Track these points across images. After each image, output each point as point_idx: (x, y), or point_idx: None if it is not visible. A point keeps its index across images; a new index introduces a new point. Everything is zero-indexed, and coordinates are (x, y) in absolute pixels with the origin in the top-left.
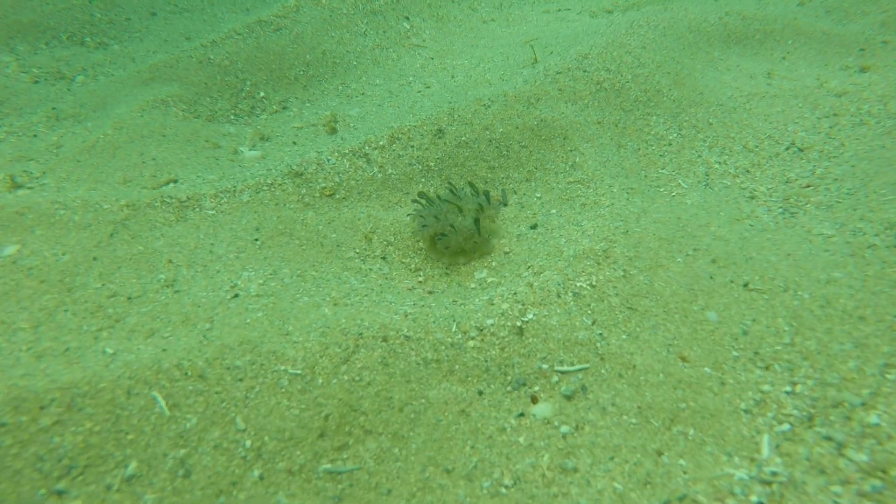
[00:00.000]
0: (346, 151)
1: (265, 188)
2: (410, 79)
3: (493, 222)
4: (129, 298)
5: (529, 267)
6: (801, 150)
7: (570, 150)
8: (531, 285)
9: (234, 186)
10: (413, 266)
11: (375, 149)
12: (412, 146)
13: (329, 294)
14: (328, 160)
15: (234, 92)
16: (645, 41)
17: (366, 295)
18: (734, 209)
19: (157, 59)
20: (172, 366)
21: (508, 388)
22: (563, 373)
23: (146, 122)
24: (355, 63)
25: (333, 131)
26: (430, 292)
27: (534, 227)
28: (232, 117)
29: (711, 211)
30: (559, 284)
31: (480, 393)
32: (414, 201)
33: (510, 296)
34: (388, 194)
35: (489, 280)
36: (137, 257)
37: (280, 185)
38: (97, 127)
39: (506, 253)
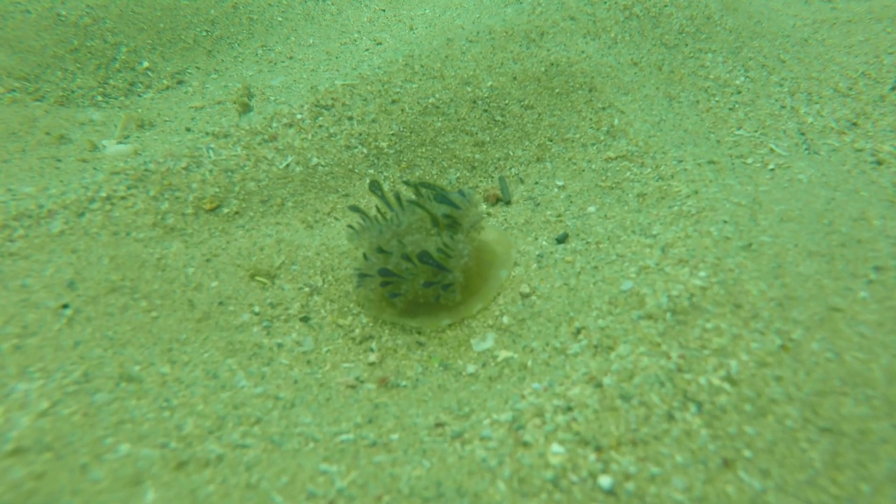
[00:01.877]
0: (241, 134)
1: (94, 207)
2: (355, 35)
3: (482, 246)
4: None
5: (575, 328)
6: None
7: (603, 108)
8: (592, 380)
9: (41, 207)
10: (359, 331)
11: (290, 125)
12: (350, 118)
13: (182, 426)
14: (209, 151)
15: (101, 62)
16: None
17: (260, 419)
18: (870, 183)
19: None
20: None
21: None
22: None
23: None
24: (280, 19)
25: (247, 109)
26: (389, 388)
27: (562, 239)
28: (98, 98)
29: (845, 191)
30: (659, 381)
31: None
32: (353, 209)
33: (556, 409)
34: (314, 200)
35: (500, 357)
36: None
37: (122, 198)
38: None
39: (525, 296)
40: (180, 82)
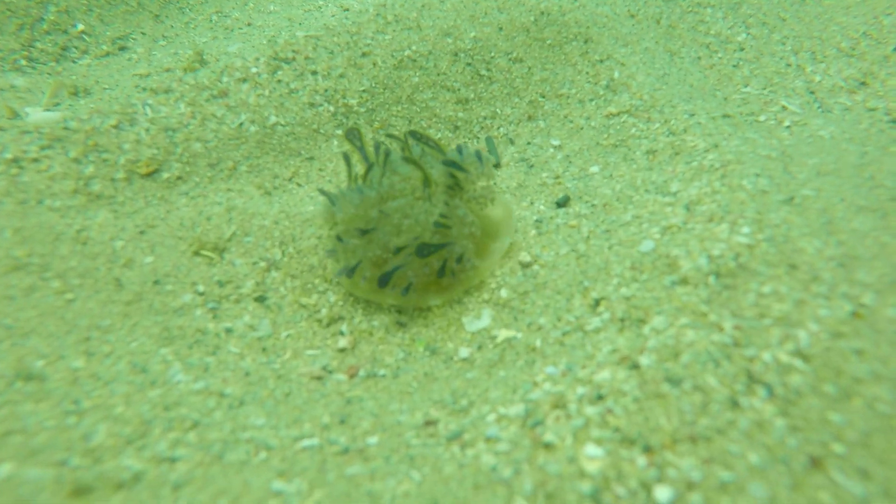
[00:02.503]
0: (185, 89)
1: None
2: (320, 2)
3: (489, 208)
4: None
5: (593, 299)
6: None
7: (601, 61)
8: (625, 360)
9: None
10: (326, 312)
11: (244, 80)
12: (314, 72)
13: (91, 436)
14: (145, 108)
15: (25, 22)
16: None
17: (198, 422)
18: (893, 141)
19: None
20: None
21: None
22: None
23: None
24: None
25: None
26: (366, 378)
27: (563, 202)
28: (23, 62)
29: (875, 147)
30: (713, 359)
31: None
32: (322, 193)
33: (582, 399)
34: (273, 164)
35: (500, 337)
36: None
37: (33, 161)
38: None
39: (525, 265)
40: (123, 48)
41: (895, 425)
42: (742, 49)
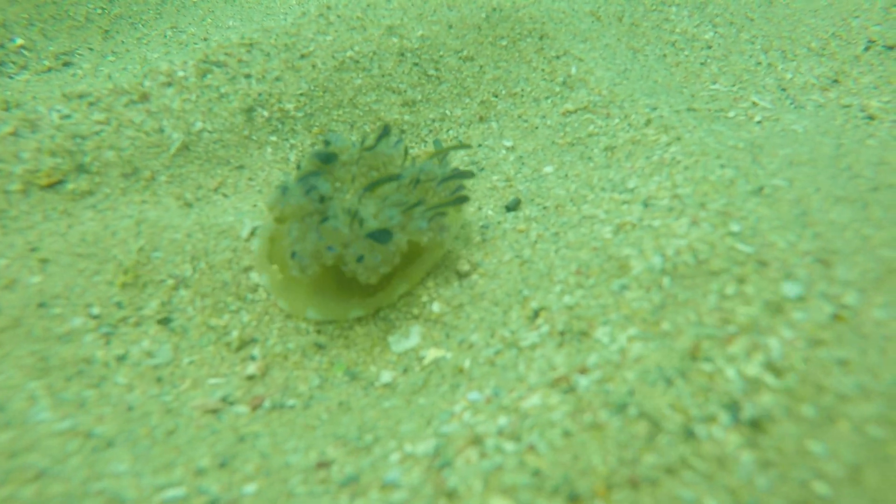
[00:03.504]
0: (101, 94)
1: None
2: (281, 18)
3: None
4: None
5: (532, 310)
6: (889, 47)
7: (557, 57)
8: (559, 382)
9: None
10: (237, 334)
11: (168, 84)
12: (248, 75)
13: None
14: (51, 113)
15: None
16: None
17: (44, 472)
18: (870, 136)
19: None
20: None
21: None
22: None
23: None
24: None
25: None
26: (270, 410)
27: (513, 206)
28: None
29: (851, 139)
30: (664, 377)
31: None
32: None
33: (502, 432)
34: (197, 173)
35: (428, 358)
36: None
37: None
38: None
39: (463, 275)
40: (67, 64)
41: (891, 454)
42: (710, 47)
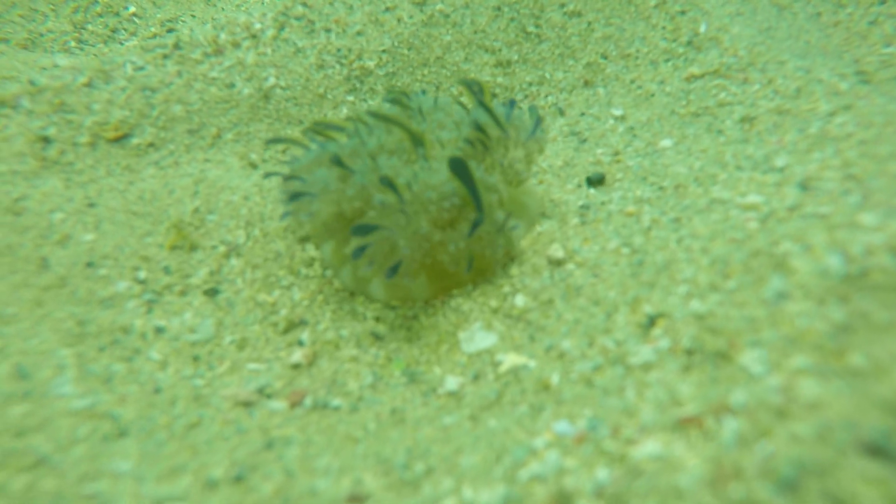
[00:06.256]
0: (169, 44)
1: None
2: None
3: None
4: None
5: (646, 315)
6: None
7: (682, 12)
8: (688, 423)
9: None
10: (286, 313)
11: (245, 38)
12: (327, 29)
13: None
14: (126, 65)
15: (81, 5)
16: None
17: (42, 461)
18: None
19: None
20: None
21: None
22: None
23: None
24: None
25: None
26: (310, 409)
27: (597, 180)
28: (72, 44)
29: None
30: (850, 434)
31: None
32: (272, 142)
33: (600, 493)
34: (265, 132)
35: (505, 365)
36: None
37: None
38: None
39: (556, 263)
40: (171, 30)
41: None
42: (883, 2)
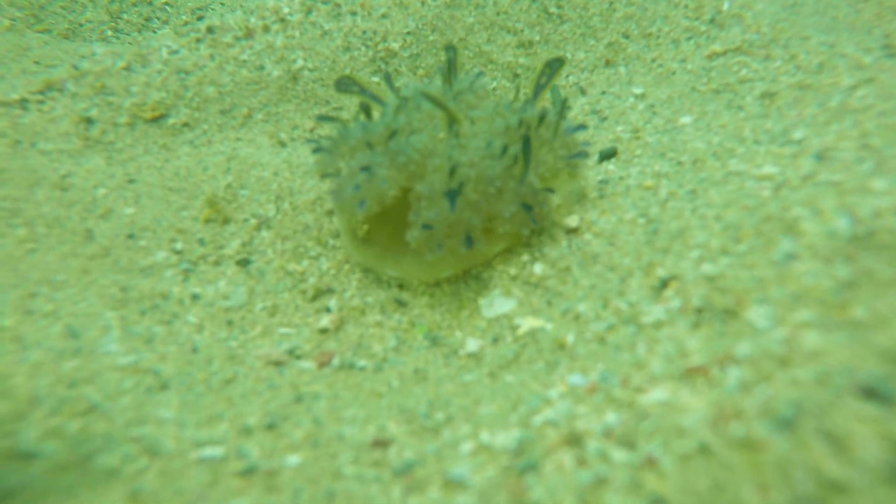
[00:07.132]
0: (202, 28)
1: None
2: None
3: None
4: None
5: (659, 278)
6: None
7: None
8: (693, 373)
9: None
10: (314, 281)
11: (274, 21)
12: (353, 12)
13: None
14: (161, 49)
15: None
16: None
17: (94, 408)
18: None
19: None
20: None
21: None
22: None
23: None
24: None
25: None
26: (337, 369)
27: (609, 154)
28: (109, 33)
29: None
30: (848, 380)
31: None
32: (316, 149)
33: (608, 434)
34: (293, 112)
35: (523, 328)
36: None
37: (38, 102)
38: None
39: (572, 231)
40: (200, 18)
41: None
42: None
